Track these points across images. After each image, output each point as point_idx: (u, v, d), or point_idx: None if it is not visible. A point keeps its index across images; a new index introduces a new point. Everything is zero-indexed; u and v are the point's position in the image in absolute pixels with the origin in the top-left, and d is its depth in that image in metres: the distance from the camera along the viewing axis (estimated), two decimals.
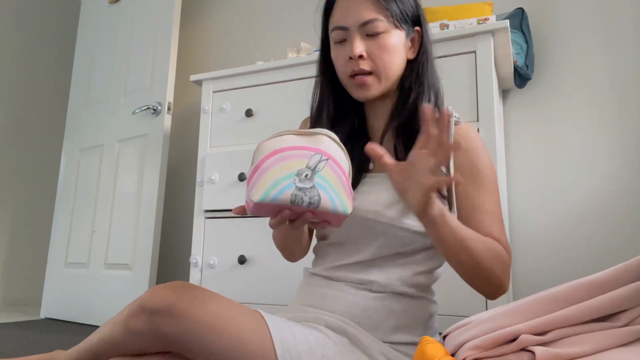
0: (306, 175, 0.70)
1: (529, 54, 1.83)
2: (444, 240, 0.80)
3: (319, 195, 0.70)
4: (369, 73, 0.92)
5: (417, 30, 0.97)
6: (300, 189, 0.70)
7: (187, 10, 2.83)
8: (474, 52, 1.49)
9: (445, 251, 0.83)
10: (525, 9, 1.87)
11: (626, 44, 1.79)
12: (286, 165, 0.70)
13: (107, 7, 2.77)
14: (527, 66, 1.82)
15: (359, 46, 0.91)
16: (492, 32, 1.48)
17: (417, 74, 0.95)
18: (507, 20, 1.48)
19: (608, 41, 1.82)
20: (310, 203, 0.70)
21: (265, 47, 2.56)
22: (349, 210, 0.72)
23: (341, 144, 0.76)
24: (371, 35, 0.91)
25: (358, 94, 0.95)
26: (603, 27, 1.83)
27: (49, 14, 3.36)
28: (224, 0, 2.79)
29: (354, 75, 0.93)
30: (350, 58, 0.92)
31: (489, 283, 0.85)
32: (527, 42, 1.84)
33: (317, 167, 0.71)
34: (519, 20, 1.85)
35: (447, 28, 1.59)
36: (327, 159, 0.72)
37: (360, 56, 0.91)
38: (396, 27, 0.92)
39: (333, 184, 0.71)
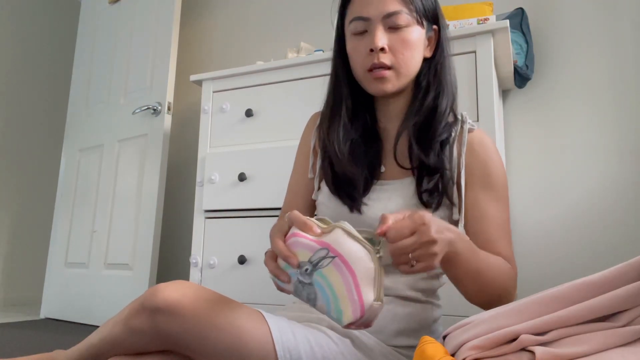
0: (306, 270, 0.65)
1: (529, 54, 1.83)
2: (456, 277, 0.80)
3: (315, 294, 0.66)
4: (389, 67, 0.89)
5: (434, 29, 0.95)
6: (300, 281, 0.67)
7: (187, 10, 2.83)
8: (474, 52, 1.49)
9: (456, 284, 0.82)
10: (525, 9, 1.87)
11: (626, 44, 1.79)
12: (296, 254, 0.67)
13: (107, 7, 2.77)
14: (527, 66, 1.82)
15: (382, 38, 0.87)
16: (492, 32, 1.48)
17: (435, 73, 0.93)
18: (507, 20, 1.48)
19: (608, 41, 1.82)
20: (308, 299, 0.67)
21: (265, 47, 2.56)
22: (345, 321, 0.63)
23: (364, 240, 0.65)
24: (393, 28, 0.88)
25: (375, 88, 0.91)
26: (603, 27, 1.83)
27: (49, 13, 3.36)
28: (224, 0, 2.79)
29: (372, 69, 0.89)
30: (371, 50, 0.88)
31: (494, 301, 0.83)
32: (527, 42, 1.84)
33: (320, 264, 0.65)
34: (519, 20, 1.85)
35: (447, 28, 1.59)
36: (333, 257, 0.64)
37: (382, 49, 0.87)
38: (418, 22, 0.90)
39: (335, 287, 0.64)
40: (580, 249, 1.74)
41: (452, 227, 0.73)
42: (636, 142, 1.73)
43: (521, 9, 1.86)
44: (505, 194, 0.91)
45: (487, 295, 0.82)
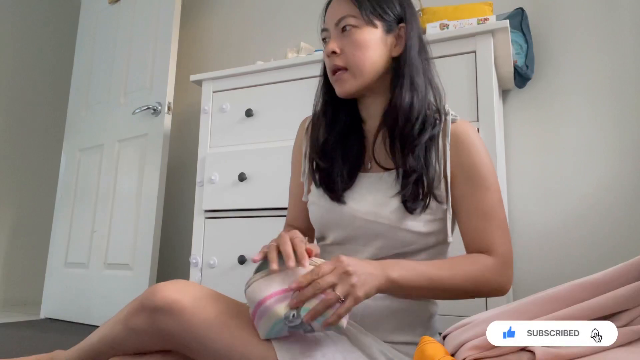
0: (293, 315, 0.72)
1: (529, 54, 1.83)
2: (412, 294, 0.85)
3: (310, 325, 0.73)
4: (345, 69, 0.94)
5: (402, 27, 0.96)
6: (293, 327, 0.73)
7: (187, 10, 2.83)
8: (474, 52, 1.49)
9: (417, 298, 0.89)
10: (525, 9, 1.87)
11: (626, 43, 1.79)
12: (273, 314, 0.72)
13: (107, 7, 2.77)
14: (527, 66, 1.82)
15: (332, 43, 0.95)
16: (492, 32, 1.48)
17: (400, 71, 0.95)
18: (507, 20, 1.48)
19: (608, 41, 1.82)
20: (305, 331, 0.75)
21: (265, 47, 2.55)
22: (343, 324, 0.73)
23: (319, 260, 0.77)
24: (345, 32, 0.94)
25: (337, 90, 0.97)
26: (603, 27, 1.83)
27: (49, 13, 3.35)
28: (224, 0, 2.79)
29: (333, 72, 0.96)
30: (327, 55, 0.95)
31: (484, 294, 0.89)
32: (527, 42, 1.84)
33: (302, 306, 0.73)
34: (519, 20, 1.85)
35: (447, 28, 1.59)
36: None
37: (334, 52, 0.94)
38: (368, 23, 0.93)
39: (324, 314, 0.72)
40: (580, 249, 1.74)
41: (379, 261, 0.81)
42: (636, 142, 1.73)
43: (521, 9, 1.86)
44: (492, 181, 0.92)
45: (461, 296, 0.87)
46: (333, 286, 0.72)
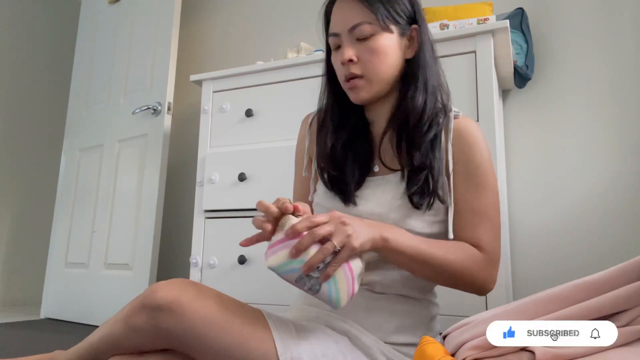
0: (318, 267, 0.72)
1: (529, 54, 1.83)
2: (401, 262, 0.83)
3: (319, 285, 0.74)
4: (361, 76, 0.92)
5: (414, 29, 0.96)
6: (308, 275, 0.73)
7: (187, 10, 2.83)
8: (474, 52, 1.49)
9: (405, 268, 0.86)
10: (525, 9, 1.87)
11: (626, 44, 1.79)
12: (279, 257, 0.74)
13: (107, 7, 2.77)
14: (527, 66, 1.82)
15: (349, 51, 0.92)
16: (492, 32, 1.48)
17: (414, 73, 0.94)
18: (507, 20, 1.48)
19: (608, 41, 1.82)
20: (310, 289, 0.75)
21: (265, 47, 2.56)
22: (341, 305, 0.75)
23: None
24: (361, 39, 0.92)
25: (352, 97, 0.95)
26: (603, 27, 1.83)
27: (49, 13, 3.36)
28: (224, 0, 2.79)
29: (347, 79, 0.94)
30: (343, 63, 0.93)
31: (466, 287, 0.89)
32: (527, 42, 1.84)
33: (329, 262, 0.73)
34: (519, 20, 1.85)
35: (447, 28, 1.59)
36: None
37: (351, 60, 0.92)
38: (384, 29, 0.91)
39: (337, 279, 0.73)
40: (580, 249, 1.74)
41: (377, 222, 0.82)
42: (636, 142, 1.73)
43: (521, 9, 1.86)
44: (490, 181, 0.92)
45: (445, 280, 0.87)
46: (330, 235, 0.72)
